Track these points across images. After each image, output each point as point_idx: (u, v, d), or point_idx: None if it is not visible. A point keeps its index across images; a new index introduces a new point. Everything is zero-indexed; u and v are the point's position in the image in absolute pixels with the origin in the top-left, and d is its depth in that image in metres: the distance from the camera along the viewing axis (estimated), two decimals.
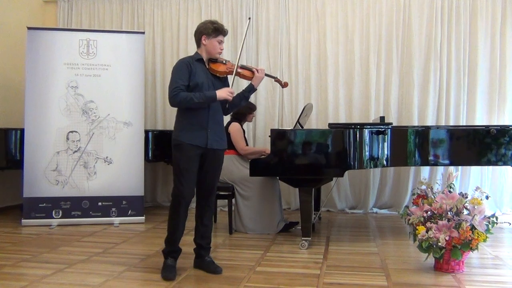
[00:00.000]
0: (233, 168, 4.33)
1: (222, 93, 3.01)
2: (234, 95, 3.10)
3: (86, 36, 4.80)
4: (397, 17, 5.41)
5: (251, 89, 3.22)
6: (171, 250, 3.10)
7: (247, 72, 3.23)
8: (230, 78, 3.17)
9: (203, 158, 3.06)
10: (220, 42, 3.09)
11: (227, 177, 4.29)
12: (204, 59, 3.11)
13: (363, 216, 5.25)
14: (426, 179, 3.72)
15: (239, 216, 4.32)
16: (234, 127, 4.32)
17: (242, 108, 4.39)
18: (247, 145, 4.51)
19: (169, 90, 2.98)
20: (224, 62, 3.15)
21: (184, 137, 3.01)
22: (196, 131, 3.01)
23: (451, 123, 5.26)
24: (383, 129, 3.82)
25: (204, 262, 3.15)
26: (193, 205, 3.15)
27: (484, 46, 5.26)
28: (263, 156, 4.09)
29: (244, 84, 5.07)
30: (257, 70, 3.22)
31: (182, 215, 3.05)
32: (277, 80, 3.56)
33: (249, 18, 3.56)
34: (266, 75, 3.33)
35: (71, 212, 4.65)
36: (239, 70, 3.17)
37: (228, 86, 3.16)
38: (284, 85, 3.58)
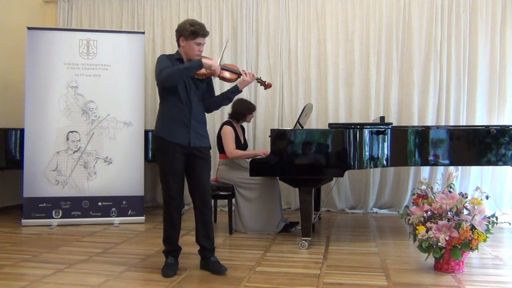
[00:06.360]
0: (231, 171, 4.33)
1: (209, 61, 2.97)
2: (219, 71, 3.03)
3: (86, 36, 4.81)
4: (397, 17, 5.41)
5: (235, 90, 3.16)
6: (170, 250, 3.14)
7: (230, 74, 3.14)
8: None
9: (189, 158, 3.03)
10: (199, 44, 2.99)
11: (227, 180, 4.29)
12: (184, 60, 3.05)
13: (363, 216, 5.25)
14: (426, 179, 3.73)
15: (239, 216, 4.31)
16: (225, 130, 4.29)
17: (242, 108, 4.40)
18: (246, 148, 4.51)
19: (155, 74, 2.93)
20: None
21: (166, 134, 2.98)
22: (179, 129, 2.98)
23: (451, 123, 5.26)
24: (383, 129, 3.82)
25: (209, 263, 3.13)
26: (191, 205, 3.14)
27: (484, 46, 5.25)
28: (262, 156, 4.08)
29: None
30: (246, 74, 3.15)
31: (175, 215, 3.07)
32: (259, 81, 3.46)
33: (227, 41, 3.48)
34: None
35: (71, 212, 4.65)
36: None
37: (212, 86, 3.17)
38: (267, 86, 3.50)
